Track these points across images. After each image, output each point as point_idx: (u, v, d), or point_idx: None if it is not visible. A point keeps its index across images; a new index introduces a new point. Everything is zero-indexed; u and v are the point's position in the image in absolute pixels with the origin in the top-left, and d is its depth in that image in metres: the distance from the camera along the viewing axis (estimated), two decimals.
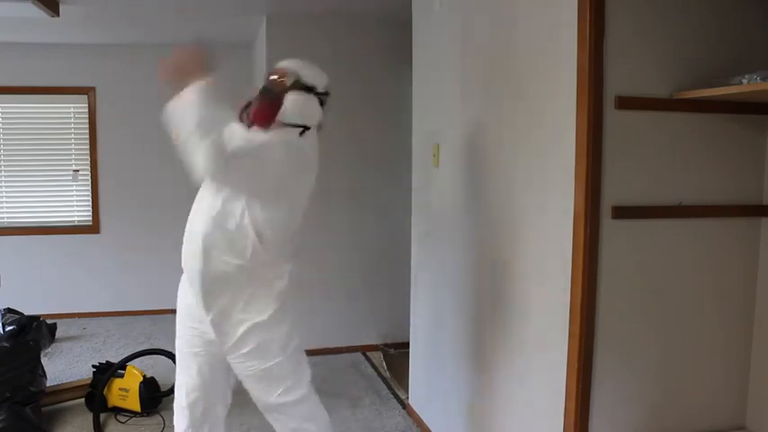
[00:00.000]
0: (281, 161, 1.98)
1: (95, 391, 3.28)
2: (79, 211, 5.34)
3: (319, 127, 2.14)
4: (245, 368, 2.13)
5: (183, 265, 2.15)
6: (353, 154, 4.34)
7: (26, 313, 4.11)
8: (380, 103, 4.37)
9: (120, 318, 5.22)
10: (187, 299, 2.18)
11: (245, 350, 2.08)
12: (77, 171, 5.28)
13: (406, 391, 3.54)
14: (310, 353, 4.18)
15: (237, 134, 1.87)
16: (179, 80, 1.86)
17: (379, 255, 4.45)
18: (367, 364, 4.24)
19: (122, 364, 3.34)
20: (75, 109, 5.24)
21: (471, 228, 2.61)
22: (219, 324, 2.08)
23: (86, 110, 5.22)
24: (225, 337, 2.09)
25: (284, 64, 2.12)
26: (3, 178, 5.22)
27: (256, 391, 2.18)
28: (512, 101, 2.25)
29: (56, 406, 3.37)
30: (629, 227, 1.89)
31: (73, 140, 5.27)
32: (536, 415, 2.14)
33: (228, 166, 1.85)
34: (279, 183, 1.99)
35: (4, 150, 5.20)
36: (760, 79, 1.67)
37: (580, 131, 1.84)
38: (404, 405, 3.51)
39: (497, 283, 2.38)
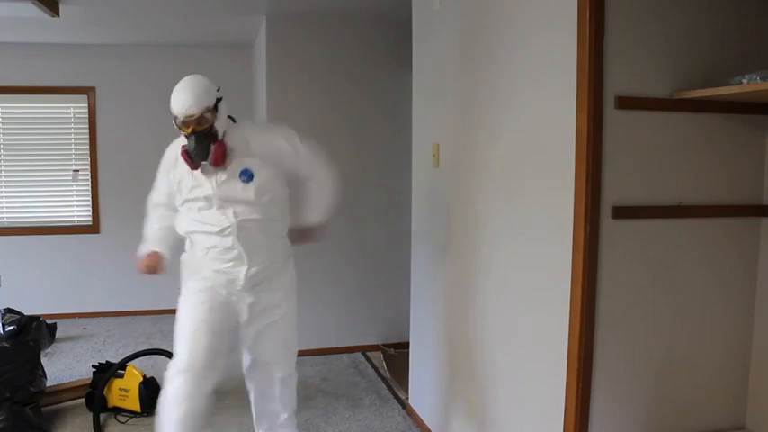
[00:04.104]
0: None
1: (95, 391, 3.28)
2: (79, 211, 5.34)
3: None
4: None
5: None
6: (353, 154, 4.33)
7: (26, 313, 4.10)
8: (380, 103, 4.36)
9: (120, 318, 5.22)
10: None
11: None
12: (77, 171, 5.28)
13: (406, 391, 3.54)
14: (311, 353, 4.28)
15: None
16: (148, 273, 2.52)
17: (379, 255, 4.45)
18: (367, 364, 4.24)
19: (122, 364, 3.34)
20: (75, 109, 5.24)
21: (471, 227, 2.61)
22: None
23: (86, 110, 5.22)
24: None
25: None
26: (3, 178, 5.22)
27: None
28: (512, 100, 2.25)
29: (56, 406, 3.37)
30: (629, 227, 1.89)
31: (73, 140, 5.27)
32: (536, 415, 2.14)
33: None
34: None
35: (4, 150, 5.20)
36: (760, 79, 1.67)
37: (580, 131, 1.84)
38: (404, 405, 3.51)
39: (497, 282, 2.38)
